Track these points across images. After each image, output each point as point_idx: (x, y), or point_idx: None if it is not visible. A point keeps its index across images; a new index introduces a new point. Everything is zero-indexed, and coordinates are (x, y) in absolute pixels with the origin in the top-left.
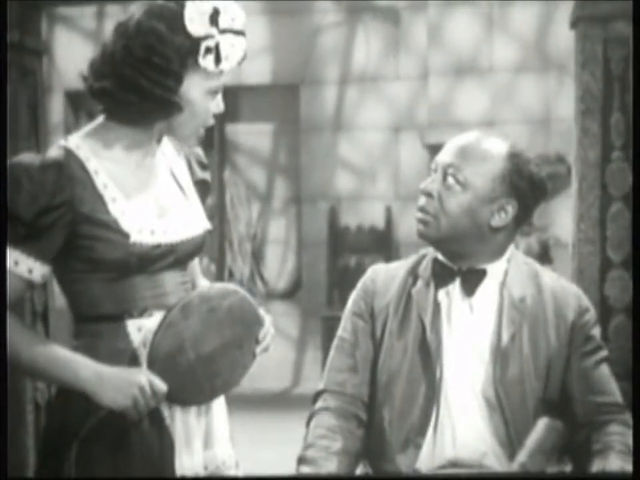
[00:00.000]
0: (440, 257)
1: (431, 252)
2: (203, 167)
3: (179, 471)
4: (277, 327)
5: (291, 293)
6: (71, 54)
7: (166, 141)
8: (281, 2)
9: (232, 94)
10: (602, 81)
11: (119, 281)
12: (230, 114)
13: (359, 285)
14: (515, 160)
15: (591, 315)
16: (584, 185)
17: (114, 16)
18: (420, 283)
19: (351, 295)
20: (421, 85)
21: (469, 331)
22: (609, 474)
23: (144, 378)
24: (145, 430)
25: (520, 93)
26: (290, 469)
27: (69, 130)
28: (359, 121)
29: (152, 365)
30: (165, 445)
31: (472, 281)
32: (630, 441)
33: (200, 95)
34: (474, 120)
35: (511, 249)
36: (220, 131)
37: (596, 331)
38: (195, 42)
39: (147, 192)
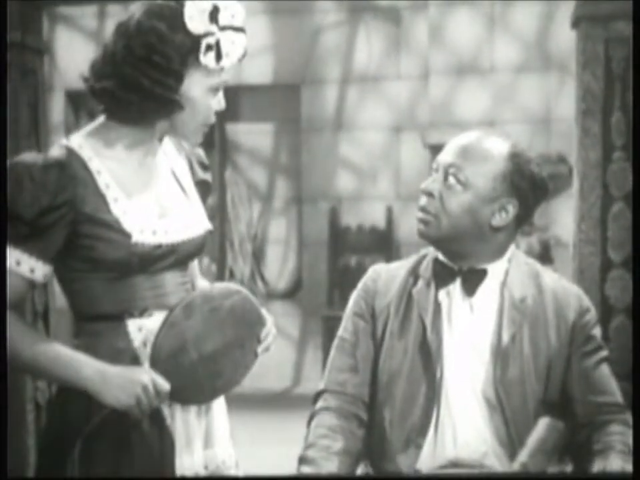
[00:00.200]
0: (441, 256)
1: (431, 252)
2: (204, 167)
3: (179, 470)
4: (277, 326)
5: (292, 293)
6: (72, 53)
7: (167, 140)
8: (282, 1)
9: (233, 94)
10: (603, 80)
11: (120, 280)
12: (231, 114)
13: (360, 285)
14: (516, 160)
15: (592, 315)
16: (585, 185)
17: (115, 15)
18: (421, 283)
19: (351, 295)
20: (422, 85)
21: (470, 331)
22: (610, 474)
23: (147, 377)
24: (145, 429)
25: (521, 93)
26: (290, 468)
27: (69, 129)
28: (360, 121)
29: (154, 365)
30: (165, 444)
31: (473, 280)
32: (630, 440)
33: (201, 92)
34: (475, 120)
35: (512, 248)
36: (221, 131)
37: (596, 331)
38: (196, 40)
39: (148, 192)
